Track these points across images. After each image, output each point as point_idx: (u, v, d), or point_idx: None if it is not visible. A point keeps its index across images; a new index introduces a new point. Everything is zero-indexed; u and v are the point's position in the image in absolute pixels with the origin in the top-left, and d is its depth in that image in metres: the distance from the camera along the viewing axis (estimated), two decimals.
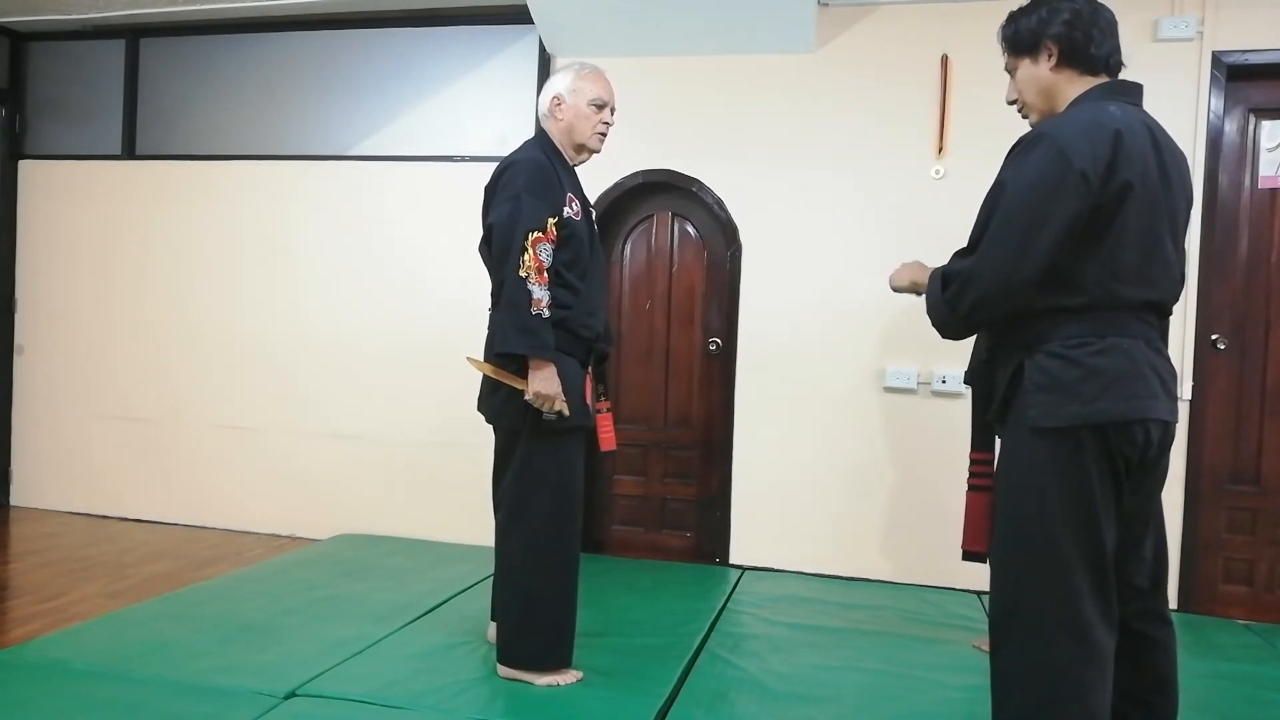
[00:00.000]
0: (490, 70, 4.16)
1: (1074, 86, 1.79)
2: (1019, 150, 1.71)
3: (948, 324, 1.79)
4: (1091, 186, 1.62)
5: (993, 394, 1.84)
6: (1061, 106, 1.80)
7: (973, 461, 1.97)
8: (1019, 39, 1.83)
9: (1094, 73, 1.78)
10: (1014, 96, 1.89)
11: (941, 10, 3.64)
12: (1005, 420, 1.78)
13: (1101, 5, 1.80)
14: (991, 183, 1.77)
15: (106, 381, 4.60)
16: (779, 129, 3.82)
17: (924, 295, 1.88)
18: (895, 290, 1.98)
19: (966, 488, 1.96)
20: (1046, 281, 1.67)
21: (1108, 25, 1.79)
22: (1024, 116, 1.90)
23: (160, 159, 4.54)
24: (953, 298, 1.74)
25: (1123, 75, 1.82)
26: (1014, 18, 1.85)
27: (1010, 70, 1.87)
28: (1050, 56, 1.78)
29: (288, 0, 4.13)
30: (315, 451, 4.33)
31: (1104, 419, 1.65)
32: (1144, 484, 1.77)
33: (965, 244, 1.80)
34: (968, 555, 1.97)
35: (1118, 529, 1.72)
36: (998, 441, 1.86)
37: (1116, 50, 1.80)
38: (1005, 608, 1.76)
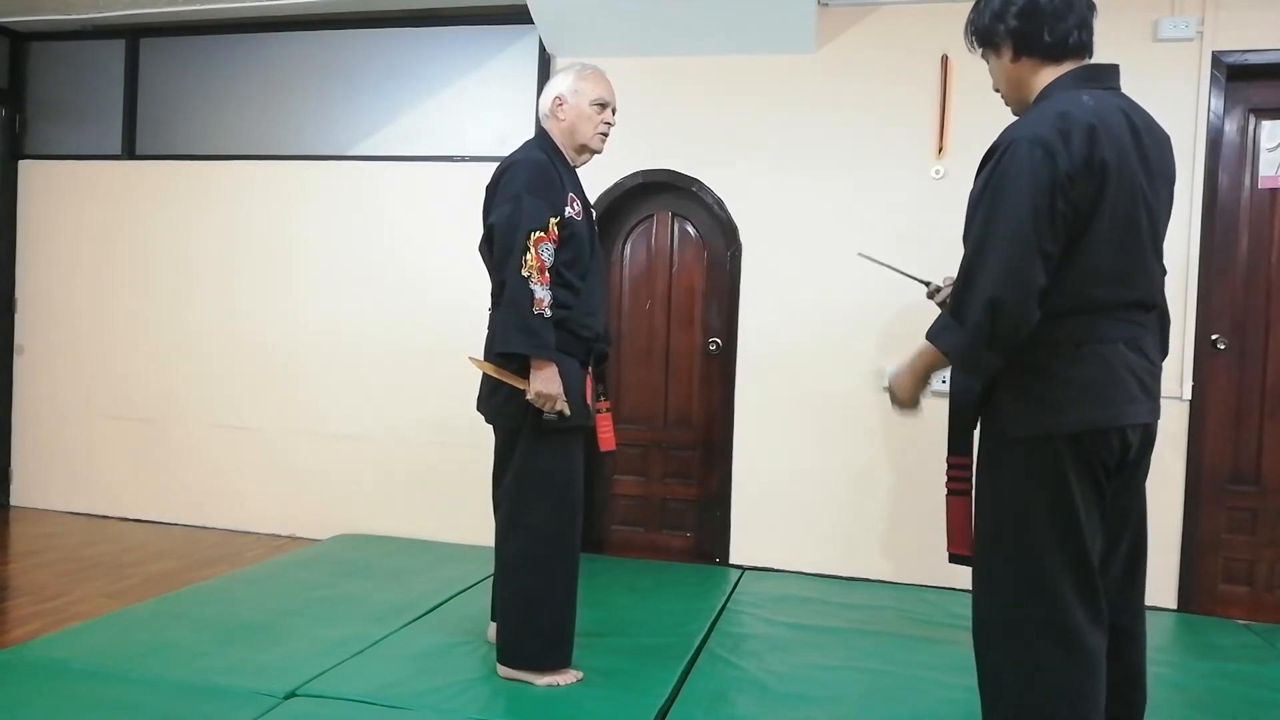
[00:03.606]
0: (490, 70, 4.16)
1: (1039, 76, 1.75)
2: (993, 160, 1.66)
3: (981, 362, 1.68)
4: (1074, 187, 1.59)
5: (965, 398, 1.82)
6: (1031, 96, 1.77)
7: (950, 465, 1.97)
8: (980, 35, 1.80)
9: (1055, 59, 1.73)
10: (996, 86, 1.87)
11: (941, 10, 3.64)
12: (980, 428, 1.78)
13: None
14: (969, 195, 1.73)
15: (106, 381, 4.60)
16: (779, 129, 3.82)
17: (931, 366, 1.81)
18: (903, 400, 1.89)
19: (946, 492, 1.97)
20: None
21: (1063, 4, 1.70)
22: (1006, 104, 1.87)
23: (160, 159, 4.54)
24: (983, 331, 1.62)
25: (1121, 75, 1.80)
26: (973, 13, 1.81)
27: (985, 61, 1.85)
28: (1008, 50, 1.76)
29: (288, 0, 4.13)
30: (315, 451, 4.33)
31: (1077, 428, 1.63)
32: (1129, 484, 1.77)
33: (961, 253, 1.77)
34: (954, 558, 1.97)
35: (1103, 531, 1.71)
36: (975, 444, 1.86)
37: (1078, 28, 1.71)
38: (988, 614, 1.76)
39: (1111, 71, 1.75)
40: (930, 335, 1.75)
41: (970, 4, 1.88)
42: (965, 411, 1.83)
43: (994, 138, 1.74)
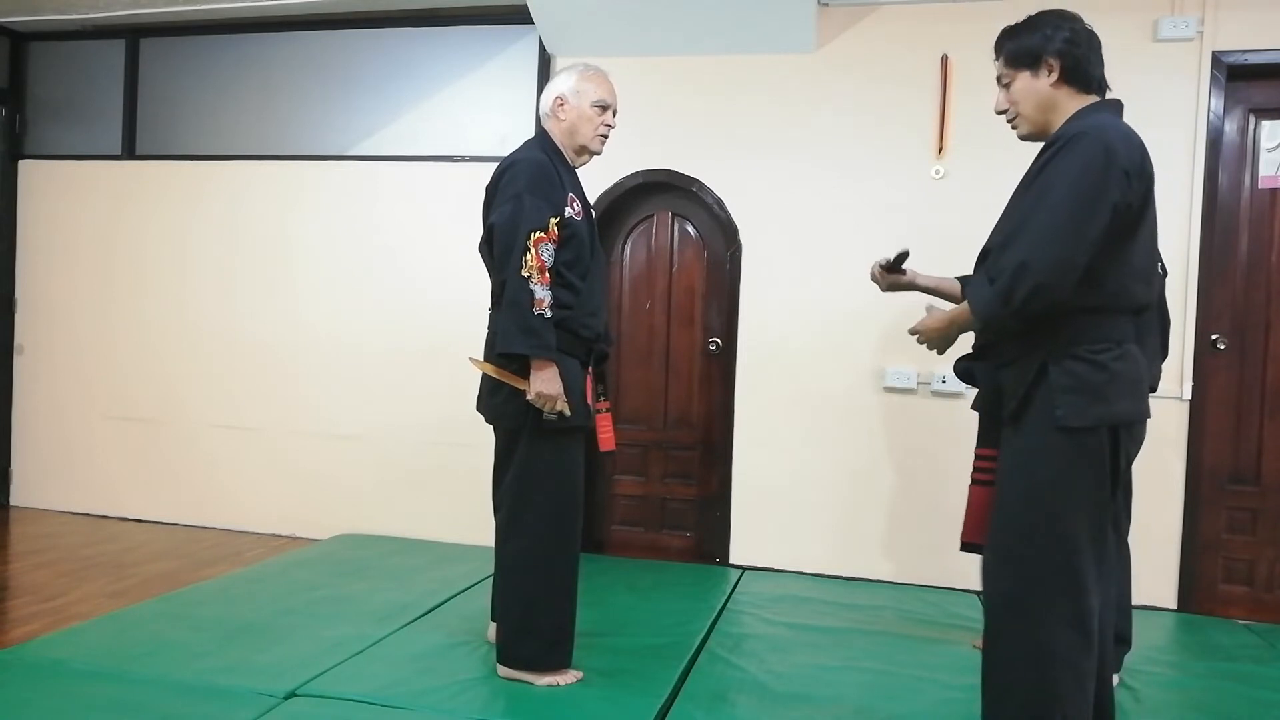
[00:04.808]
0: (490, 70, 4.16)
1: (1072, 102, 1.87)
2: (1059, 148, 1.76)
3: (998, 319, 1.79)
4: (1131, 185, 1.70)
5: (998, 391, 1.90)
6: (1058, 120, 1.87)
7: (978, 457, 2.00)
8: (1020, 53, 1.88)
9: (1089, 90, 1.87)
10: (1005, 107, 1.95)
11: (941, 10, 3.63)
12: (1023, 418, 1.81)
13: (1091, 29, 1.89)
14: (1022, 180, 1.85)
15: (106, 381, 4.60)
16: (779, 129, 3.82)
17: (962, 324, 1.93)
18: (933, 345, 2.02)
19: (970, 481, 2.00)
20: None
21: (1099, 47, 1.88)
22: (1014, 128, 1.96)
23: (160, 159, 4.54)
24: (1005, 291, 1.74)
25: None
26: (1015, 33, 1.91)
27: (1005, 82, 1.93)
28: (1051, 72, 1.85)
29: (288, 0, 4.13)
30: (315, 451, 4.33)
31: (1122, 420, 1.75)
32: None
33: (984, 242, 1.86)
34: (966, 546, 2.02)
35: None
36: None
37: (1103, 72, 1.90)
38: (1009, 599, 1.81)
39: (1123, 107, 1.90)
40: (967, 293, 1.88)
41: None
42: (1004, 404, 1.88)
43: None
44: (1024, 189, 1.85)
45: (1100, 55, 1.88)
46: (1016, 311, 1.74)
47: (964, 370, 2.02)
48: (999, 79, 1.94)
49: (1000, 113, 1.96)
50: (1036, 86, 1.87)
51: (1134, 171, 1.71)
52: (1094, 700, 1.86)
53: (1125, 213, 1.72)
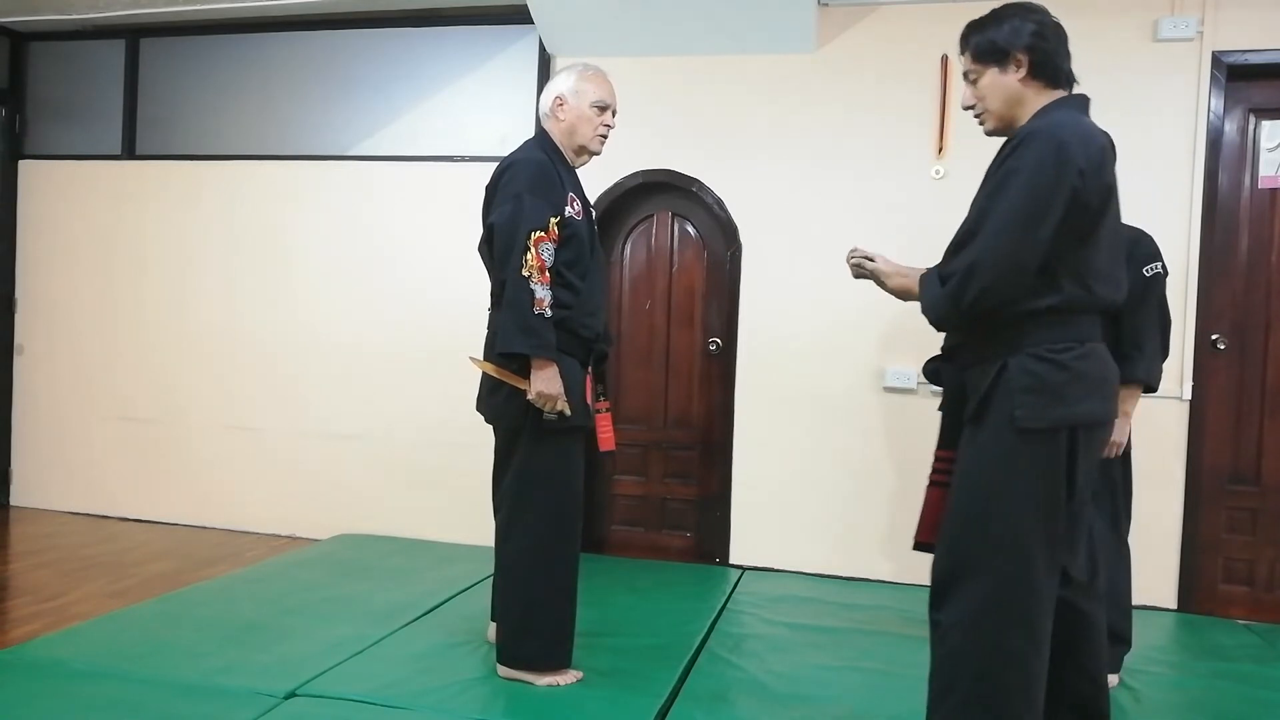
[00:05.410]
0: (490, 70, 4.16)
1: (1040, 98, 1.83)
2: (1015, 147, 1.74)
3: (948, 318, 1.80)
4: (1086, 184, 1.67)
5: (962, 393, 1.88)
6: (1024, 115, 1.83)
7: (938, 458, 2.01)
8: (987, 47, 1.84)
9: (1056, 85, 1.83)
10: (972, 103, 1.92)
11: (941, 10, 3.64)
12: (983, 419, 1.80)
13: (1057, 21, 1.85)
14: (984, 178, 1.82)
15: (106, 381, 4.60)
16: (779, 129, 3.82)
17: (913, 298, 1.92)
18: (889, 289, 1.99)
19: (928, 483, 2.01)
20: (1034, 279, 1.72)
21: (1066, 39, 1.85)
22: (980, 124, 1.93)
23: (160, 159, 4.54)
24: (955, 291, 1.75)
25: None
26: (981, 26, 1.87)
27: (972, 77, 1.89)
28: (1019, 67, 1.81)
29: (288, 0, 4.13)
30: (315, 451, 4.33)
31: (1083, 421, 1.72)
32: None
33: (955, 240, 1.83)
34: (919, 546, 2.02)
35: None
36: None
37: (1070, 65, 1.87)
38: (959, 597, 1.82)
39: (1089, 103, 1.88)
40: (925, 275, 1.86)
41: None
42: (964, 405, 1.87)
43: (993, 138, 1.78)
44: (983, 187, 1.82)
45: (1067, 48, 1.84)
46: (965, 312, 1.75)
47: (932, 371, 2.01)
48: (965, 74, 1.90)
49: (967, 108, 1.93)
50: (1004, 82, 1.83)
51: (1090, 170, 1.67)
52: (1083, 703, 1.85)
53: (1082, 212, 1.69)
